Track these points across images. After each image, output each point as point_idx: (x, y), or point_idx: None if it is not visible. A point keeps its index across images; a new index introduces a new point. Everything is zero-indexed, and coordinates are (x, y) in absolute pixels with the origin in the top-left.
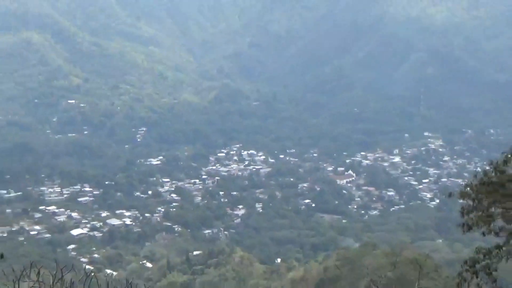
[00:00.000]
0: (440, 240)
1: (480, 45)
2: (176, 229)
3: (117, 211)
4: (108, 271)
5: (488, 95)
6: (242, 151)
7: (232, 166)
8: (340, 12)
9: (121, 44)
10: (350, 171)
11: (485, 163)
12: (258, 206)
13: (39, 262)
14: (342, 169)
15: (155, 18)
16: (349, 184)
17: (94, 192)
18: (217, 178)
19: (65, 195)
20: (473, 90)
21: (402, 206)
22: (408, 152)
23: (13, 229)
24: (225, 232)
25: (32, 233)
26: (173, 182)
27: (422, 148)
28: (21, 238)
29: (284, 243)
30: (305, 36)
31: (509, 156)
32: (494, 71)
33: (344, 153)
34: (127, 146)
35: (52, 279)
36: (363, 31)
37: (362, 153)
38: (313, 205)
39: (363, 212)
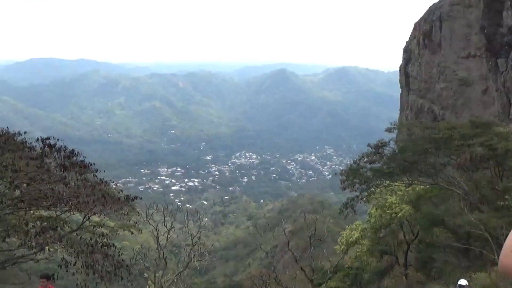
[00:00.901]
0: (332, 193)
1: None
2: (217, 187)
3: (192, 179)
4: (187, 205)
5: (352, 131)
6: (246, 153)
7: (242, 160)
8: (287, 96)
9: (194, 107)
10: (293, 162)
11: (351, 160)
12: (253, 177)
13: (156, 202)
14: (290, 161)
15: (210, 95)
16: (292, 168)
17: (182, 171)
18: (235, 165)
19: (168, 172)
20: (346, 129)
21: (315, 178)
22: (318, 154)
23: (146, 186)
24: (238, 188)
25: (154, 188)
26: (217, 166)
27: (324, 153)
28: (149, 191)
29: (264, 194)
30: (273, 105)
31: (361, 157)
32: (355, 120)
33: (290, 154)
34: (196, 151)
35: (163, 209)
36: (297, 103)
37: (298, 154)
38: (277, 177)
39: (298, 180)
